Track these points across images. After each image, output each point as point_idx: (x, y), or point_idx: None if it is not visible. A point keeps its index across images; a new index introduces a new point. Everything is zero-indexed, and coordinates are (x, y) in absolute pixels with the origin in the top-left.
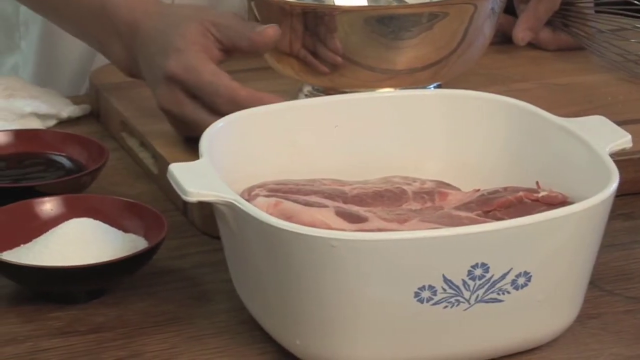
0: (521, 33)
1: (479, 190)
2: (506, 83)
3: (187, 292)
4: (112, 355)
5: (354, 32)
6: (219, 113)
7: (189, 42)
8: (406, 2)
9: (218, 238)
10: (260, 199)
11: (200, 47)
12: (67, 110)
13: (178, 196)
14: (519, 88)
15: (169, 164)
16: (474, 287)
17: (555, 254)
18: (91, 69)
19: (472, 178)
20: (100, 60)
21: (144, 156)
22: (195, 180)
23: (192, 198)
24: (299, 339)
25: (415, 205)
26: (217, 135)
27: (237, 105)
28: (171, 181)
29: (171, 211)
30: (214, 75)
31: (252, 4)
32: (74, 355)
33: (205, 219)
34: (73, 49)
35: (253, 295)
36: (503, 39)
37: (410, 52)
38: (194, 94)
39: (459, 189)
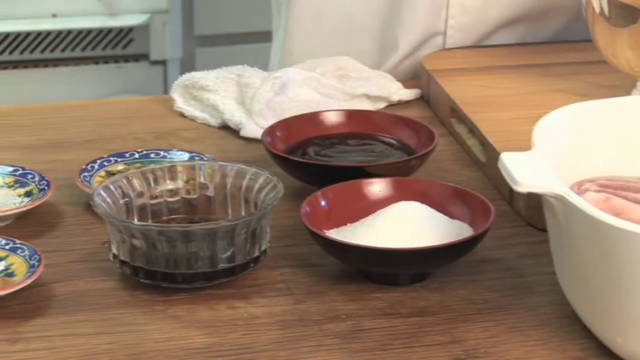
0: None
1: None
2: None
3: (510, 282)
4: (433, 340)
5: None
6: None
7: None
8: None
9: (543, 230)
10: (589, 194)
11: None
12: (398, 93)
13: (504, 185)
14: None
15: (497, 152)
16: None
17: None
18: None
19: None
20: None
21: (472, 143)
22: (526, 170)
23: (522, 188)
24: (621, 336)
25: None
26: (549, 126)
27: None
28: (502, 170)
29: (497, 200)
30: None
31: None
32: (395, 337)
33: (531, 210)
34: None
35: (576, 289)
36: None
37: None
38: None
39: None
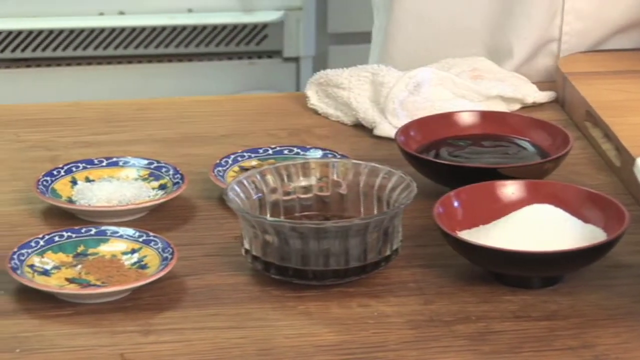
0: None
1: None
2: None
3: None
4: (564, 344)
5: None
6: None
7: None
8: None
9: None
10: None
11: None
12: (533, 95)
13: (639, 190)
14: None
15: (632, 157)
16: None
17: None
18: None
19: None
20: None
21: (607, 147)
22: None
23: None
24: None
25: None
26: None
27: None
28: (637, 175)
29: (630, 205)
30: None
31: None
32: (525, 340)
33: None
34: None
35: None
36: None
37: None
38: None
39: None
